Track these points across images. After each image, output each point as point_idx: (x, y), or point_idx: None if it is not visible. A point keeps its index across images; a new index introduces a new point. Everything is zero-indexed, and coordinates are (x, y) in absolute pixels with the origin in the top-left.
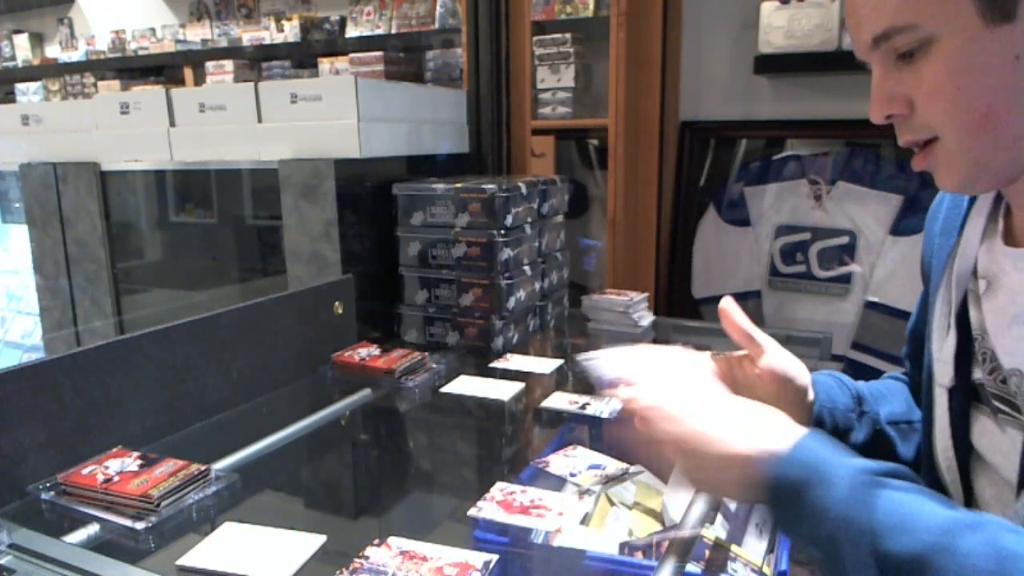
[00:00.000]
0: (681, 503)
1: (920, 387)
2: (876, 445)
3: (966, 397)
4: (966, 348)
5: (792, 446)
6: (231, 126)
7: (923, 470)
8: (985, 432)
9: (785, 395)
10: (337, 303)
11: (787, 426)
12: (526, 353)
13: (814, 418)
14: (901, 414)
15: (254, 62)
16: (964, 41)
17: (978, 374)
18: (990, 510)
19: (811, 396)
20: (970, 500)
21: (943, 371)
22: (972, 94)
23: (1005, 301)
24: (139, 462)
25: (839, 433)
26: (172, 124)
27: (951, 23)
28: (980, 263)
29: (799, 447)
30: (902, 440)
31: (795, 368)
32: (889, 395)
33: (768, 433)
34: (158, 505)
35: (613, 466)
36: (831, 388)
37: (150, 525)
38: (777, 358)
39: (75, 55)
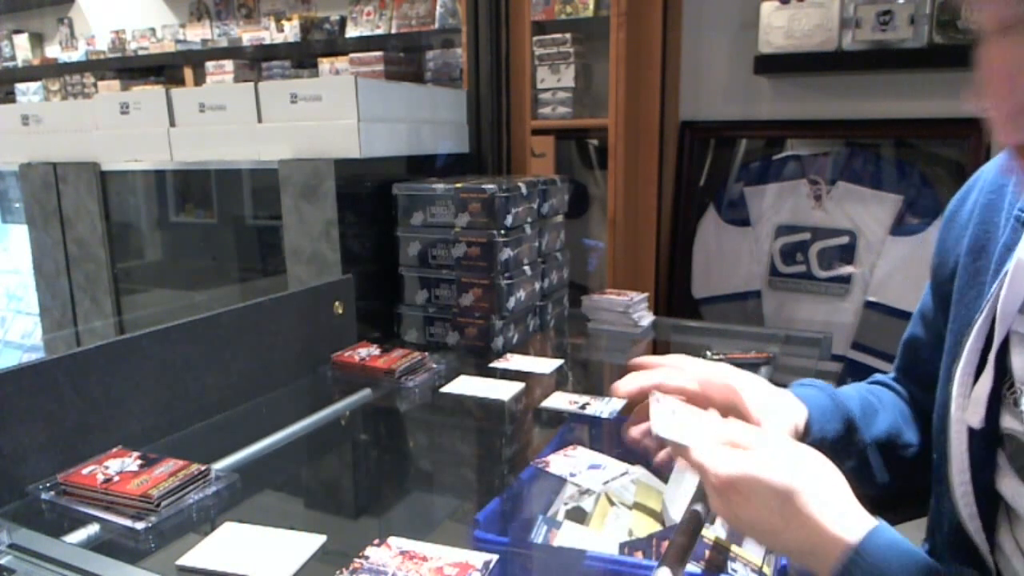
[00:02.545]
0: (681, 503)
1: (918, 402)
2: (856, 470)
3: (992, 441)
4: (995, 391)
5: (860, 545)
6: (231, 126)
7: (936, 510)
8: (1017, 489)
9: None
10: (337, 303)
11: (854, 508)
12: (526, 353)
13: None
14: (889, 433)
15: (254, 62)
16: None
17: (1010, 423)
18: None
19: (801, 422)
20: (994, 547)
21: (973, 412)
22: None
23: None
24: (139, 462)
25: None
26: (172, 124)
27: None
28: None
29: (867, 551)
30: (883, 462)
31: (789, 413)
32: (881, 410)
33: (845, 513)
34: (158, 505)
35: (613, 466)
36: (824, 414)
37: (150, 525)
38: (779, 419)
39: (75, 55)
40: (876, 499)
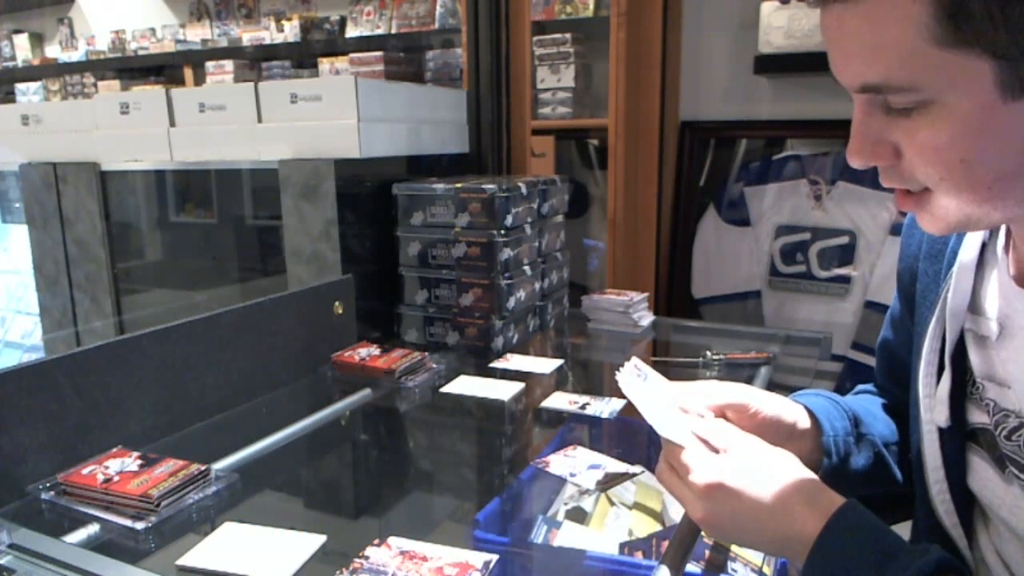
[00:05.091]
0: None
1: (901, 403)
2: (876, 469)
3: (961, 438)
4: (960, 388)
5: (829, 522)
6: (231, 126)
7: (918, 510)
8: (987, 483)
9: (776, 432)
10: (337, 303)
11: (825, 492)
12: (526, 353)
13: (824, 450)
14: (892, 435)
15: (254, 62)
16: (975, 110)
17: (978, 418)
18: (1000, 560)
19: (803, 424)
20: (972, 543)
21: (939, 411)
22: (977, 164)
23: None
24: (139, 462)
25: (841, 461)
26: (172, 124)
27: (963, 91)
28: (986, 302)
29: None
30: (896, 463)
31: (782, 409)
32: (877, 413)
33: (816, 498)
34: (158, 505)
35: (613, 466)
36: (830, 413)
37: (150, 525)
38: (768, 407)
39: (75, 55)
40: (895, 497)
